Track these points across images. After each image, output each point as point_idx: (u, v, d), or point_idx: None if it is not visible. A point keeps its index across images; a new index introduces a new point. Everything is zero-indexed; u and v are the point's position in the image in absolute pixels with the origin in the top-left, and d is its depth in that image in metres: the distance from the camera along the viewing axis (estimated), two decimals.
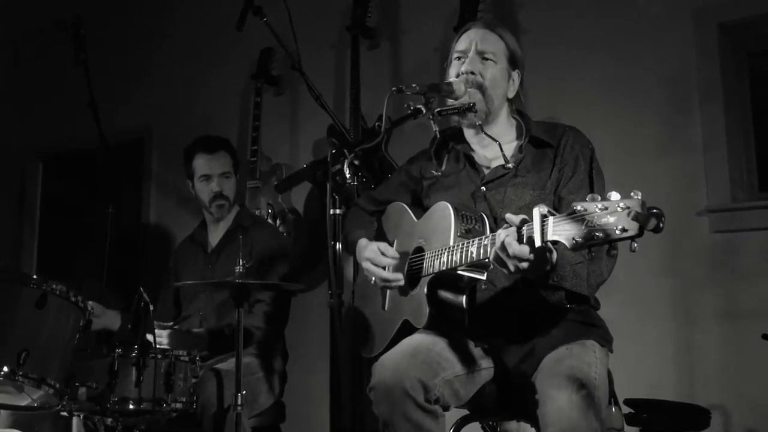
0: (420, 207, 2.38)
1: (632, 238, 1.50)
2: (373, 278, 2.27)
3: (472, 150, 2.33)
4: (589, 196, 1.56)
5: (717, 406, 2.94)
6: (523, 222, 1.76)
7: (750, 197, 3.20)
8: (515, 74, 2.32)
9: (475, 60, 2.25)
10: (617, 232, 1.50)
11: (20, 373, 2.28)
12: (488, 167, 2.28)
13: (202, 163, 3.38)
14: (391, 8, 4.10)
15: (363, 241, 2.37)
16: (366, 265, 2.29)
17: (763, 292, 2.99)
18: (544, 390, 1.94)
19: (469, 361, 2.14)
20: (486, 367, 2.18)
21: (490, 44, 2.27)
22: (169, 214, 4.72)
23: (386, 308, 2.36)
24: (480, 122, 2.25)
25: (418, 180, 2.44)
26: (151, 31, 5.02)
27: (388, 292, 2.35)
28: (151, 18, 5.04)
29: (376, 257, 2.26)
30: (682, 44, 3.27)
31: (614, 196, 1.53)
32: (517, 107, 2.36)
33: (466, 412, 2.32)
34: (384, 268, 2.25)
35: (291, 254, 3.48)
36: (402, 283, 2.22)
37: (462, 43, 2.30)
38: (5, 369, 2.27)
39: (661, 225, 1.50)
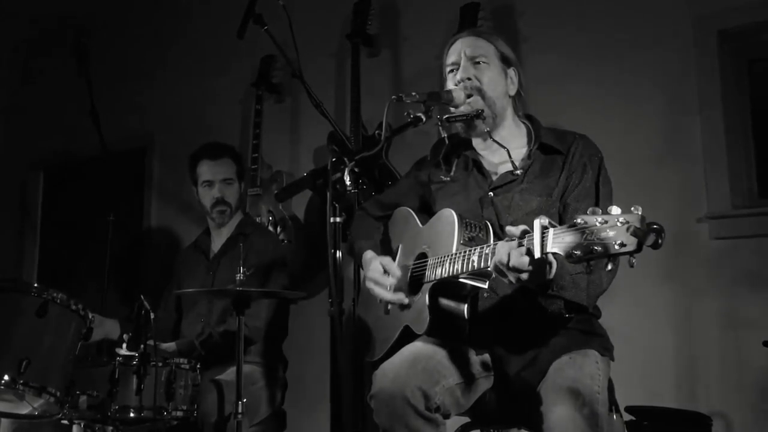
0: (428, 212, 2.37)
1: (630, 254, 1.49)
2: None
3: (480, 155, 2.34)
4: (590, 209, 1.56)
5: (718, 413, 2.93)
6: (524, 233, 1.77)
7: (750, 204, 3.20)
8: (511, 72, 2.32)
9: (468, 66, 2.26)
10: (616, 246, 1.49)
11: (21, 381, 2.29)
12: (496, 173, 2.28)
13: (205, 170, 3.40)
14: (392, 16, 4.11)
15: (368, 254, 2.37)
16: (369, 285, 2.28)
17: (764, 299, 2.98)
18: (548, 405, 1.94)
19: (469, 369, 2.14)
20: (486, 374, 2.18)
21: (479, 48, 2.29)
22: (170, 221, 4.72)
23: (389, 313, 2.36)
24: (488, 129, 2.26)
25: (427, 185, 2.44)
26: (153, 40, 5.04)
27: None
28: (152, 27, 5.05)
29: (380, 278, 2.24)
30: (681, 51, 3.27)
31: (615, 210, 1.51)
32: (522, 107, 2.36)
33: (466, 419, 2.32)
34: (387, 286, 2.24)
35: (291, 262, 3.47)
36: (405, 302, 2.20)
37: (452, 56, 2.31)
38: (6, 377, 2.27)
39: (660, 241, 1.48)
